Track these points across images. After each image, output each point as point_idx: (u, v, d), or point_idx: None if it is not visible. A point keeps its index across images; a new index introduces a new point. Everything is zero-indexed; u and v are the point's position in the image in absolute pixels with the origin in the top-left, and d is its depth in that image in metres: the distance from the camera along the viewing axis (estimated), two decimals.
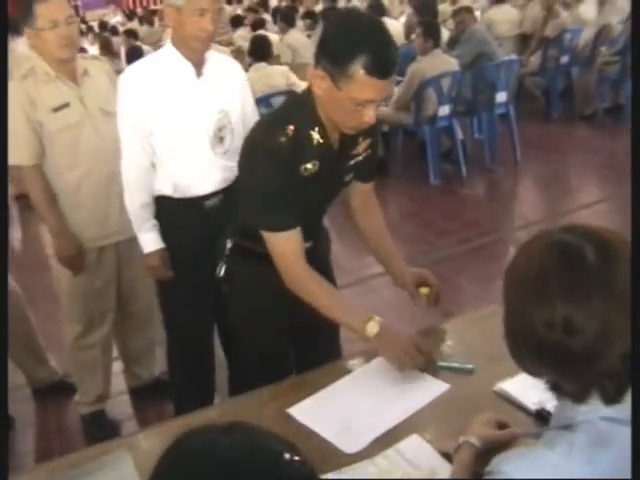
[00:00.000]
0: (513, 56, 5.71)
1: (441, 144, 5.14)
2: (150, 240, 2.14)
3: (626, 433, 0.86)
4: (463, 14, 5.70)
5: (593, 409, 0.89)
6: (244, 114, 2.17)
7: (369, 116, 1.44)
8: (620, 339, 0.85)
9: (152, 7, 14.57)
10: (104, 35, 7.66)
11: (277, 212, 1.52)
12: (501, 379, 1.45)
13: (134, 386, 2.82)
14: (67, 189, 2.37)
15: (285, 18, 6.65)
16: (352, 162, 1.64)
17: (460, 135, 5.12)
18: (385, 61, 1.38)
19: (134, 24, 10.66)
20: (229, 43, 7.47)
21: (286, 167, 1.48)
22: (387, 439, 1.34)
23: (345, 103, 1.41)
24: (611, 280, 0.85)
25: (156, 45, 8.01)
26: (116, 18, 13.40)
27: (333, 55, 1.38)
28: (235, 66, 2.22)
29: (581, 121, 5.99)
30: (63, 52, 2.25)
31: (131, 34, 7.97)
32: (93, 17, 14.43)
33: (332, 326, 1.72)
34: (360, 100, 1.40)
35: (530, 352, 0.91)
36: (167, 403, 2.54)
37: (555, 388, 0.93)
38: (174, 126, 2.03)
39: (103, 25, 10.76)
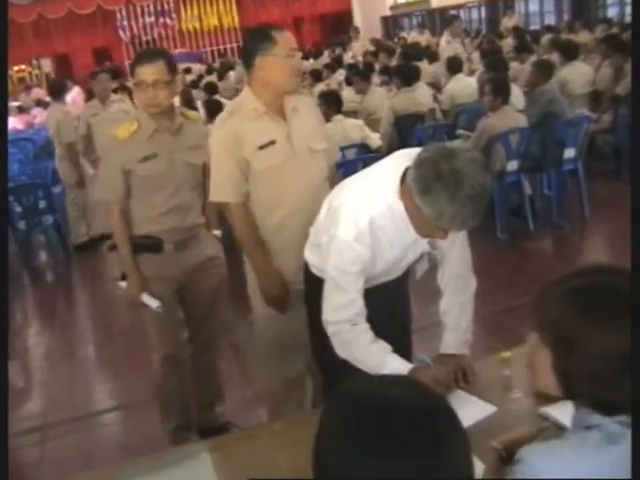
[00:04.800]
0: (585, 112, 5.75)
1: (510, 200, 5.20)
2: (398, 364, 1.84)
3: None
4: (539, 67, 5.66)
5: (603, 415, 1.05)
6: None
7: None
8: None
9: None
10: (185, 88, 8.12)
11: None
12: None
13: None
14: (267, 234, 2.37)
15: (363, 77, 6.80)
16: None
17: (529, 191, 5.17)
18: None
19: (212, 77, 11.19)
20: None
21: None
22: None
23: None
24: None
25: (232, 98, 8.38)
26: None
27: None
28: None
29: None
30: (293, 82, 2.30)
31: (209, 88, 8.31)
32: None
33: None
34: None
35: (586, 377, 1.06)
36: None
37: (594, 405, 1.07)
38: (383, 264, 1.95)
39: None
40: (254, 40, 2.29)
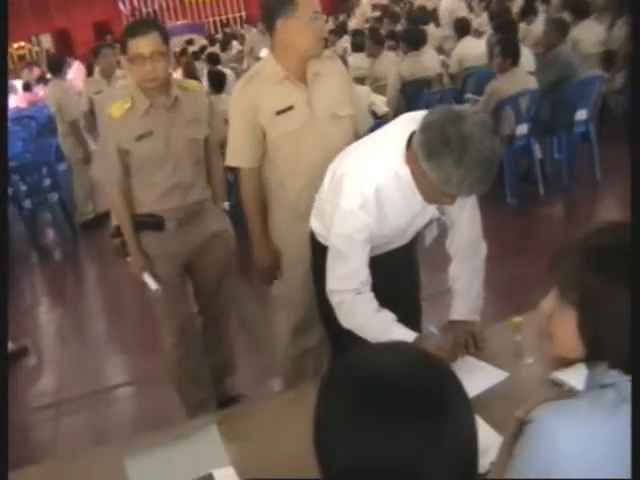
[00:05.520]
0: (597, 72, 5.59)
1: (519, 164, 5.10)
2: (402, 332, 1.79)
3: None
4: (554, 25, 5.43)
5: (620, 374, 1.01)
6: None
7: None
8: None
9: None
10: (188, 60, 8.01)
11: None
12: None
13: None
14: (288, 200, 2.32)
15: (376, 40, 6.66)
16: None
17: (539, 154, 5.07)
18: None
19: (215, 48, 11.01)
20: None
21: None
22: None
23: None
24: None
25: (238, 69, 8.27)
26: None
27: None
28: None
29: None
30: (316, 47, 2.24)
31: (212, 58, 8.19)
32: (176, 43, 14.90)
33: None
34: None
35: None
36: None
37: (620, 363, 1.03)
38: (390, 232, 1.91)
39: (183, 51, 11.17)
40: (274, 3, 2.22)
